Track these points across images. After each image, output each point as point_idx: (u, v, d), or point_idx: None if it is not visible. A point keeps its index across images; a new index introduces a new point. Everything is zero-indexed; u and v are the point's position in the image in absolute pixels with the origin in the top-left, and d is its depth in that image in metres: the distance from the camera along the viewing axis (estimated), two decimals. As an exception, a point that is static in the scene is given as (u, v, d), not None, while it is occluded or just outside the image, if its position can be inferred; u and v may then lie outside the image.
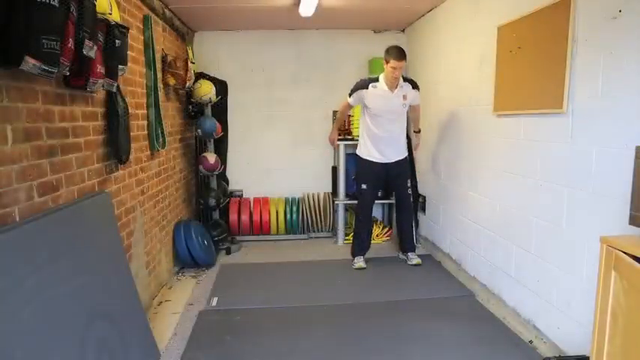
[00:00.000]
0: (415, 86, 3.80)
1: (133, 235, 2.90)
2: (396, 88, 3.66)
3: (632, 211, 1.60)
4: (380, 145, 3.82)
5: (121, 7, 2.70)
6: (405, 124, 3.91)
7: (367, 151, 3.88)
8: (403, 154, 3.93)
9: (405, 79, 3.75)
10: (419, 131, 4.11)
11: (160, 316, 3.06)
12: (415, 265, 3.96)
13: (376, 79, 3.72)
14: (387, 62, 3.55)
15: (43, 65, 1.55)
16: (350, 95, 3.80)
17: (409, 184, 3.97)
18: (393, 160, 3.86)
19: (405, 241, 4.09)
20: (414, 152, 4.14)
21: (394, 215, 4.99)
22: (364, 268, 3.91)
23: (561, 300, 2.41)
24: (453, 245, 3.89)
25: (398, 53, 3.50)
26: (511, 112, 2.86)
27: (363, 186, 3.95)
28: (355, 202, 4.86)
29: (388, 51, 3.56)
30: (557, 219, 2.44)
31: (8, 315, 1.41)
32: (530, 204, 2.69)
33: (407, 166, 4.00)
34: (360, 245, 4.05)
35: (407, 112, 3.89)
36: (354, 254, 4.06)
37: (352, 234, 4.22)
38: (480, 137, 3.33)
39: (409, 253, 4.06)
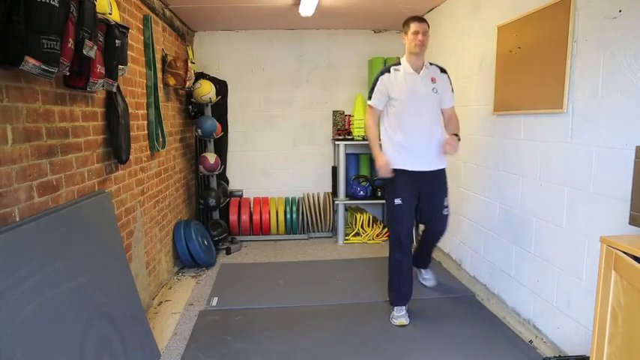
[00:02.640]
0: (443, 70, 2.98)
1: (133, 235, 2.90)
2: (422, 68, 2.87)
3: (632, 211, 1.60)
4: (409, 149, 2.87)
5: (121, 7, 2.70)
6: (440, 122, 3.01)
7: (395, 158, 2.90)
8: (442, 162, 2.95)
9: (431, 63, 2.98)
10: (457, 136, 2.91)
11: (160, 316, 3.06)
12: (430, 287, 3.41)
13: (397, 62, 2.97)
14: (407, 31, 2.82)
15: (43, 65, 1.55)
16: (370, 97, 2.93)
17: (447, 204, 2.99)
18: (428, 170, 2.89)
19: (424, 256, 3.34)
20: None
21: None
22: (406, 325, 2.87)
23: (561, 300, 2.41)
24: (453, 245, 3.89)
25: (417, 17, 2.84)
26: (511, 112, 2.86)
27: (397, 201, 2.85)
28: (355, 202, 4.91)
29: (406, 20, 2.85)
30: (557, 219, 2.44)
31: (8, 315, 1.41)
32: (530, 204, 2.69)
33: (445, 179, 3.02)
34: (401, 288, 2.93)
35: (441, 112, 3.00)
36: (392, 302, 2.97)
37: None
38: (480, 137, 3.33)
39: (423, 271, 3.46)
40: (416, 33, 2.77)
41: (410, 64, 2.87)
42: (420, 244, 3.29)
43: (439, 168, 2.94)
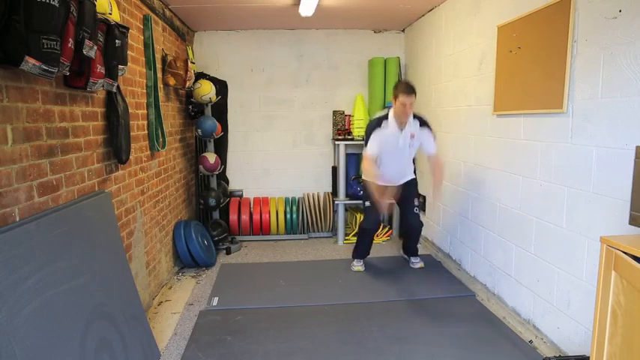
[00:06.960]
0: (423, 123, 3.51)
1: (133, 235, 2.90)
2: (405, 125, 3.45)
3: (632, 211, 1.60)
4: (385, 177, 3.63)
5: (121, 7, 2.70)
6: (411, 161, 3.77)
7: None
8: (410, 176, 3.80)
9: (415, 116, 3.49)
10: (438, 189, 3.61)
11: (159, 316, 3.06)
12: (418, 268, 3.99)
13: (385, 117, 3.50)
14: (396, 98, 3.35)
15: (43, 65, 1.55)
16: (367, 144, 3.50)
17: (417, 204, 3.82)
18: (399, 184, 3.74)
19: (409, 248, 4.08)
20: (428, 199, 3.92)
21: (393, 216, 5.01)
22: (362, 272, 3.93)
23: (561, 300, 2.41)
24: (453, 245, 3.89)
25: (407, 87, 3.31)
26: (511, 112, 2.86)
27: (367, 203, 3.76)
28: (355, 202, 4.92)
29: (397, 86, 3.40)
30: (557, 219, 2.44)
31: (8, 315, 1.41)
32: (530, 204, 2.69)
33: (414, 186, 3.85)
34: (361, 251, 4.02)
35: (415, 149, 3.64)
36: (354, 257, 4.05)
37: (355, 237, 4.15)
38: (480, 137, 3.33)
39: (412, 257, 4.07)
40: (404, 105, 3.32)
41: (396, 121, 3.45)
42: (406, 239, 4.12)
43: (407, 180, 3.77)
